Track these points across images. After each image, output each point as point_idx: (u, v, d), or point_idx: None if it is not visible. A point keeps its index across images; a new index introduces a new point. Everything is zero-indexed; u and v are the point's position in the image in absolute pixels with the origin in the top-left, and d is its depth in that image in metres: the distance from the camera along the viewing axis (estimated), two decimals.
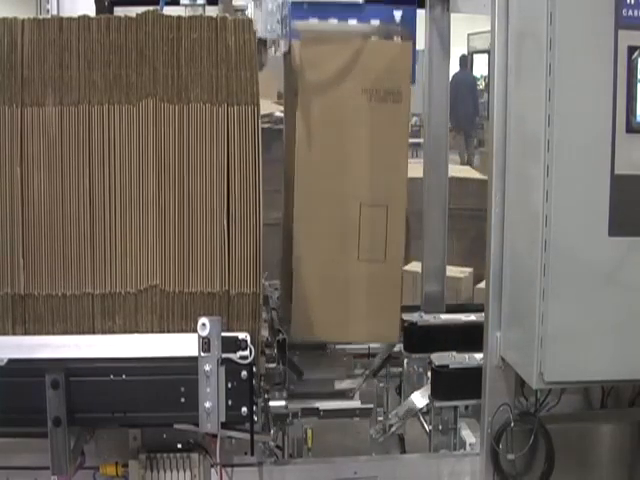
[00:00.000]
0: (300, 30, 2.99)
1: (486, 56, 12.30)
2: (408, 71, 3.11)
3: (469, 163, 13.06)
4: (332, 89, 3.04)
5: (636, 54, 2.53)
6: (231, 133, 2.48)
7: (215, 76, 2.49)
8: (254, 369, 2.43)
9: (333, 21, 3.37)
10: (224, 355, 2.39)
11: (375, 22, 3.40)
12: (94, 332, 2.50)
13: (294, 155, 3.12)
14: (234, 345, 2.41)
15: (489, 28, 2.92)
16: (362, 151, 3.11)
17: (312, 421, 3.22)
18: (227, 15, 2.61)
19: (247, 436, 2.51)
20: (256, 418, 2.47)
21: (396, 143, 3.14)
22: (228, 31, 2.48)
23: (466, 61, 14.38)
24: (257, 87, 2.50)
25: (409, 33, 3.30)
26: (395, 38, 3.17)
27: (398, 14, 3.42)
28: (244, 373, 2.41)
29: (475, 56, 15.93)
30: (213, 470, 2.74)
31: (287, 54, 3.16)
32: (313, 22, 3.30)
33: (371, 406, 3.33)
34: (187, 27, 2.48)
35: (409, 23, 3.43)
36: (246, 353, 2.41)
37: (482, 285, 4.64)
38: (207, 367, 2.37)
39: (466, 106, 13.58)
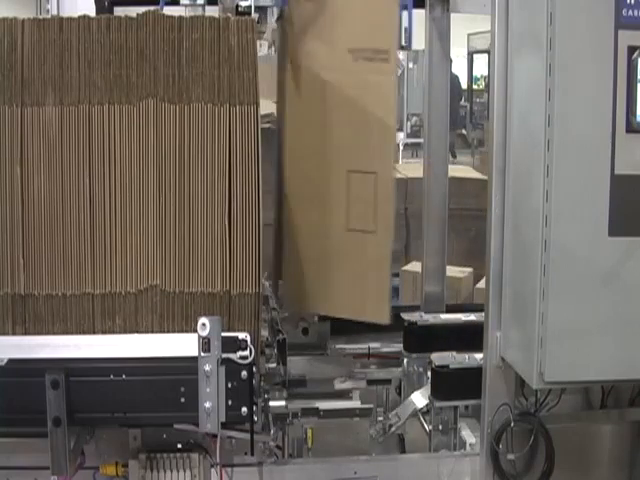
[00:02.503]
0: None
1: (486, 56, 12.29)
2: (395, 28, 3.03)
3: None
4: (320, 49, 2.98)
5: (636, 54, 2.52)
6: (233, 133, 2.48)
7: (217, 76, 2.48)
8: (254, 369, 2.43)
9: None
10: (224, 355, 2.39)
11: None
12: (94, 332, 2.50)
13: (284, 116, 3.08)
14: (234, 345, 2.41)
15: (489, 28, 2.92)
16: (349, 115, 3.00)
17: (312, 421, 3.21)
18: (230, 15, 2.61)
19: (247, 436, 2.51)
20: (256, 418, 2.47)
21: (383, 107, 2.99)
22: (231, 31, 2.48)
23: (450, 64, 14.44)
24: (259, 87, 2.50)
25: None
26: None
27: None
28: (244, 373, 2.41)
29: (475, 56, 15.90)
30: (213, 470, 2.74)
31: (279, 21, 3.12)
32: None
33: (371, 406, 3.32)
34: (188, 27, 2.48)
35: None
36: (246, 353, 2.41)
37: (482, 285, 4.65)
38: (207, 367, 2.37)
39: (451, 107, 13.60)
